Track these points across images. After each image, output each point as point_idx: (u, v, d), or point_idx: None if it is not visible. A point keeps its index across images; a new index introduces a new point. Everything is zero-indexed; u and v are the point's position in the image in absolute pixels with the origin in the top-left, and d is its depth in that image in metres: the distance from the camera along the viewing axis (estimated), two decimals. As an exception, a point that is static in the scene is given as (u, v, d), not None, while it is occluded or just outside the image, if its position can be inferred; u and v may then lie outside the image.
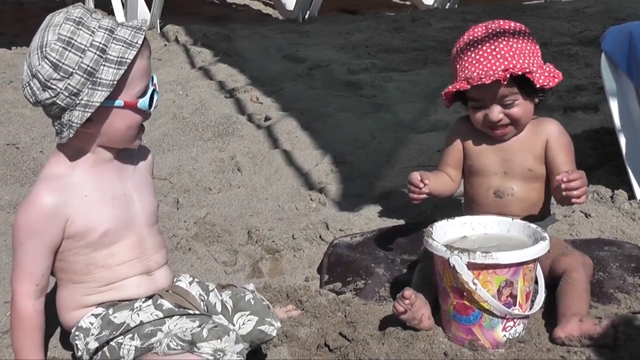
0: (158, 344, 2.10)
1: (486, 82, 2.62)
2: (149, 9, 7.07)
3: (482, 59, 2.66)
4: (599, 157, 3.89)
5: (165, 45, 6.57)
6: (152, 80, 2.14)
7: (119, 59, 2.02)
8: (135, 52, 2.03)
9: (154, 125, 4.74)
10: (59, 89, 2.00)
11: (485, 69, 2.65)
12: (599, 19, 7.58)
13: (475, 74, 2.66)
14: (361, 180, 3.98)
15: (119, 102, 2.07)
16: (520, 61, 2.64)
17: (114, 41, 2.03)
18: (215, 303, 2.36)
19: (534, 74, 2.65)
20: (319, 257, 3.19)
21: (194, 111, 4.84)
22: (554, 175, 2.66)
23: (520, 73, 2.63)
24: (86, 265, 2.16)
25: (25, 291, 2.10)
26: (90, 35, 2.01)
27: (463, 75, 2.68)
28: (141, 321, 2.16)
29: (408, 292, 2.45)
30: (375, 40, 6.96)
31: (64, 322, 2.26)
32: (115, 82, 2.01)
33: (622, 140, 3.42)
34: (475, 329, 2.40)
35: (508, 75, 2.61)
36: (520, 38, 2.69)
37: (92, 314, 2.19)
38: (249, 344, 2.30)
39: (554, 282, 2.61)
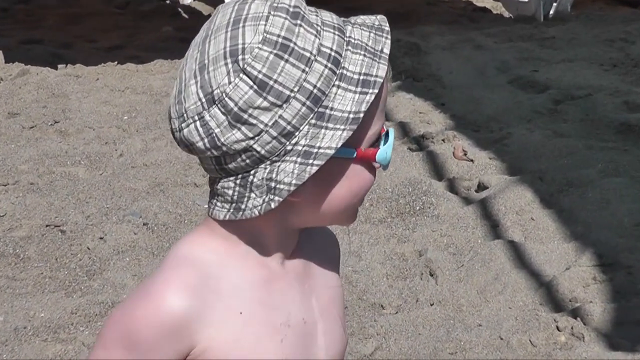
0: None
1: None
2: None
3: None
4: None
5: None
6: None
7: (362, 78, 2.00)
8: (385, 66, 1.99)
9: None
10: (262, 125, 1.96)
11: None
12: None
13: None
14: (647, 296, 3.94)
15: (350, 151, 2.04)
16: None
17: (350, 47, 2.02)
18: None
19: None
20: None
21: (357, 173, 4.88)
22: None
23: None
24: None
25: None
26: (316, 36, 2.01)
27: None
28: None
29: None
30: (673, 53, 6.92)
31: None
32: (361, 115, 1.98)
33: None
34: None
35: None
36: None
37: None
38: None
39: None
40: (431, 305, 3.99)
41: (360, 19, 2.07)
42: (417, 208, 4.66)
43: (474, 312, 3.95)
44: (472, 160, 5.23)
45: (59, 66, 6.84)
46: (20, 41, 7.39)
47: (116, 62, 6.90)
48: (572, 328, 3.73)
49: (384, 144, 2.07)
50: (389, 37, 2.03)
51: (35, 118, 5.97)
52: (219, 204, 2.06)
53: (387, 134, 2.06)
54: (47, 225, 4.70)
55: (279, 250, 2.11)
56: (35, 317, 3.98)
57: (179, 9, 8.28)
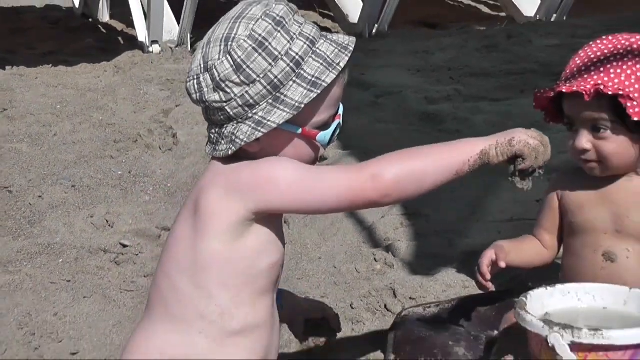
0: None
1: (563, 90, 2.63)
2: (178, 22, 7.19)
3: (579, 63, 2.68)
4: None
5: (197, 66, 6.68)
6: (338, 110, 2.27)
7: (313, 80, 2.13)
8: (334, 76, 2.14)
9: (182, 165, 4.82)
10: (232, 95, 2.11)
11: (575, 75, 2.66)
12: None
13: (564, 79, 2.69)
14: (439, 236, 3.99)
15: (296, 128, 2.17)
16: (619, 81, 2.59)
17: (313, 56, 2.14)
18: None
19: (630, 101, 2.56)
20: (384, 332, 3.17)
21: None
22: None
23: (610, 93, 2.56)
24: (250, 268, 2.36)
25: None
26: (288, 42, 2.12)
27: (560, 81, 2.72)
28: None
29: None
30: (460, 61, 7.00)
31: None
32: (302, 106, 2.13)
33: None
34: None
35: (593, 91, 2.57)
36: None
37: None
38: None
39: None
40: (284, 244, 3.99)
41: (336, 36, 2.20)
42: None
43: (315, 248, 3.99)
44: (315, 139, 5.22)
45: (7, 67, 6.78)
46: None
47: (51, 65, 6.85)
48: (385, 259, 3.78)
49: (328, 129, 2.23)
50: (349, 54, 2.15)
51: (-11, 107, 5.93)
52: (209, 143, 2.21)
53: (338, 125, 2.23)
54: (-2, 187, 4.68)
55: None
56: (-8, 256, 3.96)
57: (99, 26, 8.20)
